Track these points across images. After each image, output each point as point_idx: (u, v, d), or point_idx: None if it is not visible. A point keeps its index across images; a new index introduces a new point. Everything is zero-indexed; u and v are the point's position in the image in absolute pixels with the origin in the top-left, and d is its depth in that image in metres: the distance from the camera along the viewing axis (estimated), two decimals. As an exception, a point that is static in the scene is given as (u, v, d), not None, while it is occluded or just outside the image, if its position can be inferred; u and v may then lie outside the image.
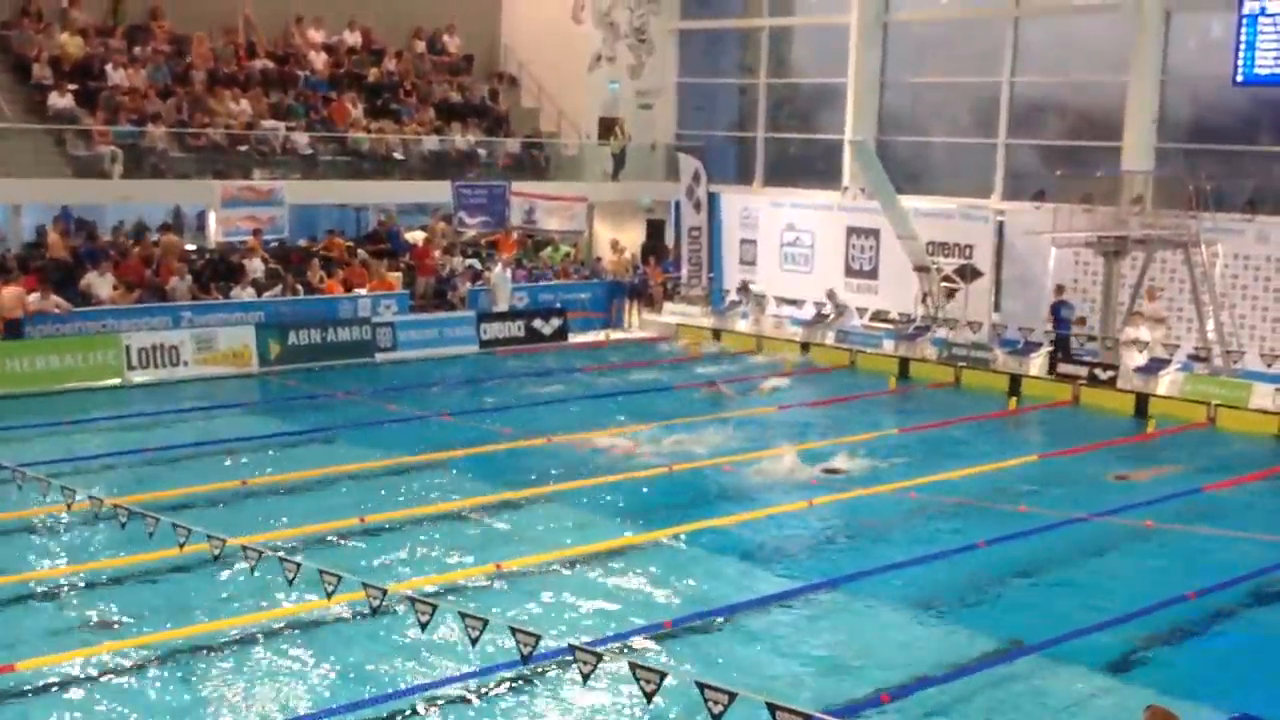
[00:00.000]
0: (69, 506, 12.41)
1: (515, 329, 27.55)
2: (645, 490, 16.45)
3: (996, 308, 26.31)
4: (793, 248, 29.58)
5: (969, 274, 26.22)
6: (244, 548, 10.36)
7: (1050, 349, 24.09)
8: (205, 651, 11.21)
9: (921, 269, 26.13)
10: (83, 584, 12.87)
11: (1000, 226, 26.50)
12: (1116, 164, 26.42)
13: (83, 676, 10.64)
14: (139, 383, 22.64)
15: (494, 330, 27.24)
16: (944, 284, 26.17)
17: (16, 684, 10.42)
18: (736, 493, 16.52)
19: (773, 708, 7.03)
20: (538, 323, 27.89)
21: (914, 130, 31.71)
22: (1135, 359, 22.88)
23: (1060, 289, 24.90)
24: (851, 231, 28.42)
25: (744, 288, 29.66)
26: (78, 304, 23.20)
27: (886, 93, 31.91)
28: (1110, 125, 27.62)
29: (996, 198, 29.19)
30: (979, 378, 24.16)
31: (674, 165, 32.43)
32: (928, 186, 30.08)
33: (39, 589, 12.72)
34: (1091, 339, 24.21)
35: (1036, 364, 23.97)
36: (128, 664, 10.90)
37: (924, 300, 26.25)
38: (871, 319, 27.65)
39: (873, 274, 28.06)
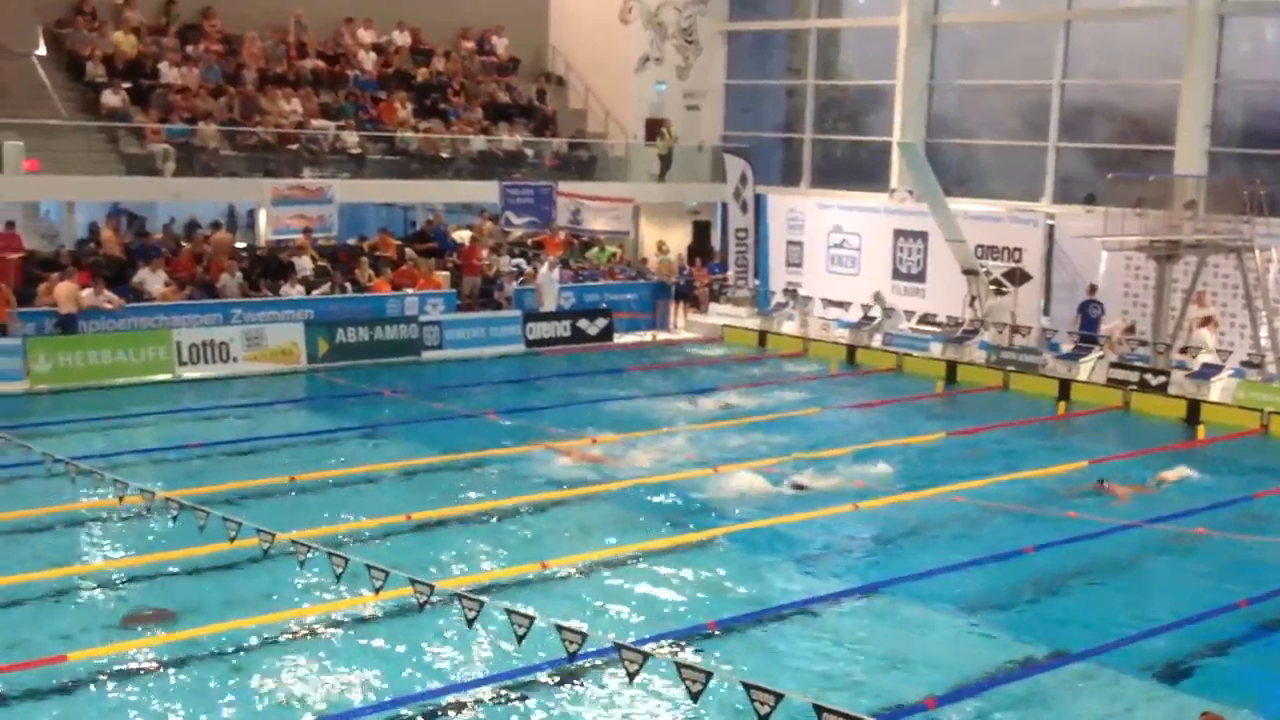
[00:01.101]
0: (121, 500, 12.53)
1: (561, 329, 27.59)
2: (690, 491, 16.42)
3: (1046, 311, 26.12)
4: (839, 250, 29.47)
5: (1018, 277, 26.04)
6: (293, 542, 10.42)
7: (1101, 354, 23.91)
8: (254, 644, 11.31)
9: (970, 272, 25.97)
10: (134, 577, 13.00)
11: (1050, 230, 26.31)
12: (1169, 168, 26.16)
13: (133, 668, 10.74)
14: (189, 378, 22.86)
15: (540, 330, 27.29)
16: (993, 287, 26.00)
17: (69, 676, 10.54)
18: (781, 495, 16.45)
19: (819, 709, 6.99)
20: (583, 323, 27.90)
21: (963, 133, 31.53)
22: (1199, 362, 22.75)
23: (1093, 288, 24.91)
24: (899, 234, 28.29)
25: (791, 292, 29.56)
26: (129, 300, 23.46)
27: (935, 95, 31.77)
28: (1162, 129, 27.39)
29: (1047, 201, 28.99)
30: (1028, 382, 23.98)
31: (720, 167, 32.39)
32: (976, 189, 29.92)
33: (91, 581, 12.85)
34: (1143, 344, 24.00)
35: (1086, 368, 23.77)
36: (177, 656, 10.99)
37: (972, 303, 26.09)
38: (919, 322, 27.51)
39: (920, 277, 27.91)
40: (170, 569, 13.10)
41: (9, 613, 11.96)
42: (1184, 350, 23.24)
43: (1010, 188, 29.74)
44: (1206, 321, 23.40)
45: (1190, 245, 23.22)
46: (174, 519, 11.57)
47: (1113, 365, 23.51)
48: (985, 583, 13.53)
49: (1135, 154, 27.91)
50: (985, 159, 31.24)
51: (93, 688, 10.37)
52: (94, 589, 12.66)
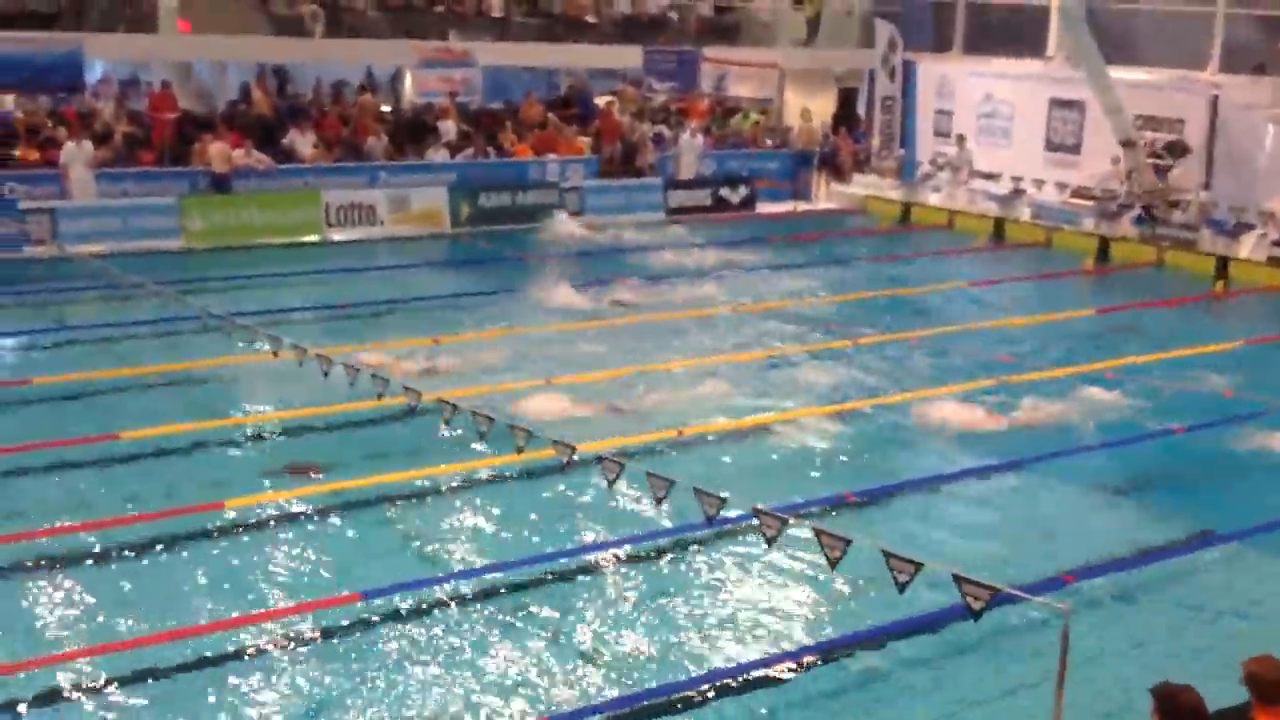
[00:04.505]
0: (275, 355, 12.90)
1: (702, 197, 27.38)
2: (832, 362, 16.32)
3: (1206, 186, 25.13)
4: (990, 119, 28.62)
5: (1178, 150, 25.03)
6: (439, 401, 10.63)
7: (1262, 231, 22.99)
8: (400, 499, 11.63)
9: (1127, 143, 25.05)
10: (286, 429, 13.43)
11: (1214, 101, 25.18)
12: (1345, 36, 24.78)
13: (284, 516, 11.14)
14: (337, 240, 23.30)
15: (680, 198, 27.11)
16: (1152, 159, 25.06)
17: (225, 521, 10.98)
18: (923, 369, 16.27)
19: (958, 579, 6.97)
20: (725, 191, 27.65)
21: (1126, -4, 30.14)
22: None
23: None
24: (1054, 103, 27.35)
25: (961, 142, 28.57)
26: (280, 161, 23.87)
27: (1098, -44, 30.35)
28: (1341, -5, 25.86)
29: (1212, 70, 27.66)
30: (1184, 259, 23.20)
31: (869, 32, 31.52)
32: (1138, 56, 28.65)
33: (245, 433, 13.31)
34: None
35: (1246, 246, 22.88)
36: (326, 507, 11.35)
37: (1128, 176, 25.20)
38: (1072, 195, 26.67)
39: (1075, 148, 27.01)
40: (320, 424, 13.46)
41: (166, 461, 12.46)
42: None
43: (1174, 55, 28.39)
44: None
45: (1365, 118, 22.09)
46: (325, 375, 11.88)
47: (1274, 243, 22.59)
48: (1130, 462, 13.27)
49: (1311, 21, 26.43)
50: (1148, 24, 29.82)
51: (246, 535, 10.78)
52: (247, 440, 13.11)
